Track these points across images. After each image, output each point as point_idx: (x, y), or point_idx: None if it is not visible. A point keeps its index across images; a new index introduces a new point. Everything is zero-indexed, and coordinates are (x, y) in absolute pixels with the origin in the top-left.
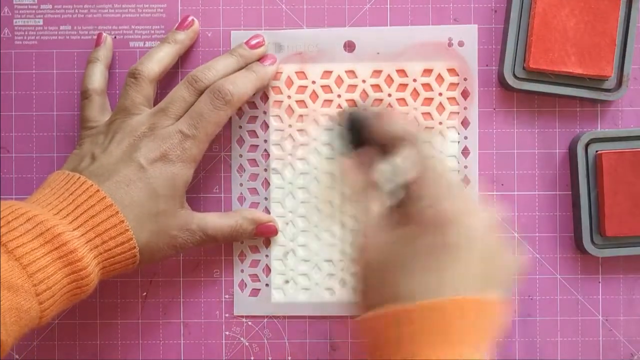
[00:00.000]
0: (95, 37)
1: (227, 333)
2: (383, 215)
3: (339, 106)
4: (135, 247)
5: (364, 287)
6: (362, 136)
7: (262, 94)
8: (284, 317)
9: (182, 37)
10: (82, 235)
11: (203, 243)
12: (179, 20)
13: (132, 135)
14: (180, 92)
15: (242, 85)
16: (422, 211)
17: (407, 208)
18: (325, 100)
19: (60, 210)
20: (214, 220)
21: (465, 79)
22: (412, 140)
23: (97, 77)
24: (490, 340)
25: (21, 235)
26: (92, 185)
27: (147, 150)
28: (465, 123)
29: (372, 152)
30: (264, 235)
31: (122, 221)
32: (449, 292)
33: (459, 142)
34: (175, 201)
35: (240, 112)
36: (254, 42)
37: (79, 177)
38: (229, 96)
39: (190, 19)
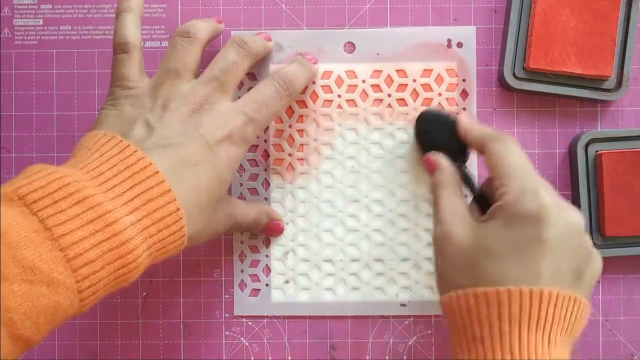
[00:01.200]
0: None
1: (227, 333)
2: (465, 204)
3: (339, 106)
4: (184, 235)
5: (446, 268)
6: (435, 137)
7: None
8: (284, 317)
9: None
10: (138, 221)
11: (230, 230)
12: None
13: (191, 105)
14: (230, 57)
15: (302, 78)
16: (516, 203)
17: (492, 199)
18: (325, 100)
19: (115, 186)
20: (242, 207)
21: (464, 80)
22: (494, 140)
23: (132, 29)
24: (575, 337)
25: (70, 219)
26: (151, 164)
27: (211, 127)
28: None
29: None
30: (271, 232)
31: (179, 209)
32: (544, 283)
33: None
34: (228, 186)
35: None
36: None
37: (136, 151)
38: (292, 88)
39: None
